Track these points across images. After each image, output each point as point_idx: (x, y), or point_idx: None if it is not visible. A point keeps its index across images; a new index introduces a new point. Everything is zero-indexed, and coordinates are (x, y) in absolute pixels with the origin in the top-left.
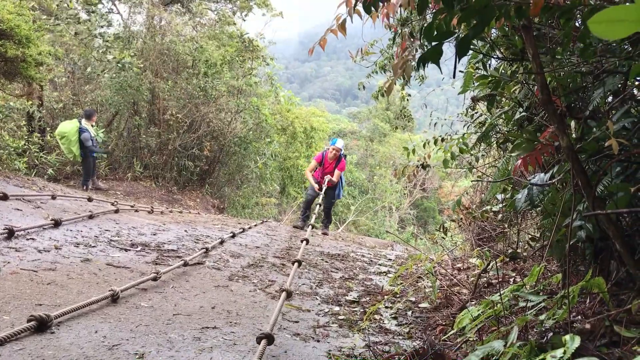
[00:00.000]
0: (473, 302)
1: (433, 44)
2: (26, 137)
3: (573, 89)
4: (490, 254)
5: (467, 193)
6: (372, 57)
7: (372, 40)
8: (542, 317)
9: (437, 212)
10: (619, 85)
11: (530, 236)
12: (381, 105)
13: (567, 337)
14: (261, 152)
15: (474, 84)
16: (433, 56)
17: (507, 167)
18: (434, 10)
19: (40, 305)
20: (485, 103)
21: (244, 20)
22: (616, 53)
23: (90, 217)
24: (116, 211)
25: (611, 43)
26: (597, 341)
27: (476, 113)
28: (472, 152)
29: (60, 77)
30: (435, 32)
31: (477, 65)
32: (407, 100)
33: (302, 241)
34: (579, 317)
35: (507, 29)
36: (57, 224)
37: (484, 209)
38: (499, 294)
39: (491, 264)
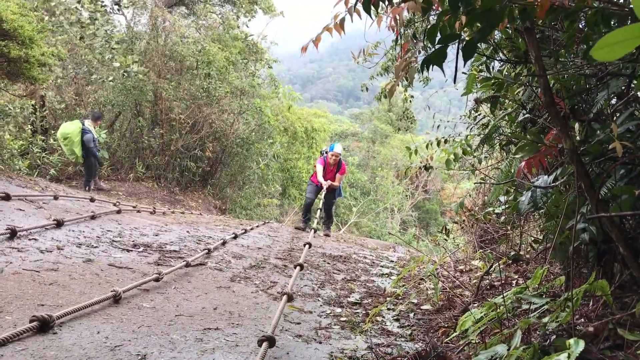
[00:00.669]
0: (475, 305)
1: (437, 46)
2: (30, 138)
3: (576, 92)
4: (492, 256)
5: (470, 195)
6: (374, 58)
7: (376, 42)
8: (545, 320)
9: (439, 214)
10: (623, 88)
11: (533, 238)
12: (383, 106)
13: (571, 340)
14: (263, 153)
15: (477, 86)
16: (437, 59)
17: (510, 169)
18: (437, 12)
19: (43, 305)
20: (489, 105)
21: (247, 27)
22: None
23: (93, 217)
24: (118, 212)
25: None
26: (600, 344)
27: (479, 115)
28: (475, 154)
29: (63, 77)
30: (439, 35)
31: (480, 67)
32: (410, 101)
33: (305, 245)
34: (583, 320)
35: (510, 31)
36: (59, 224)
37: (487, 210)
38: (501, 296)
39: (494, 266)
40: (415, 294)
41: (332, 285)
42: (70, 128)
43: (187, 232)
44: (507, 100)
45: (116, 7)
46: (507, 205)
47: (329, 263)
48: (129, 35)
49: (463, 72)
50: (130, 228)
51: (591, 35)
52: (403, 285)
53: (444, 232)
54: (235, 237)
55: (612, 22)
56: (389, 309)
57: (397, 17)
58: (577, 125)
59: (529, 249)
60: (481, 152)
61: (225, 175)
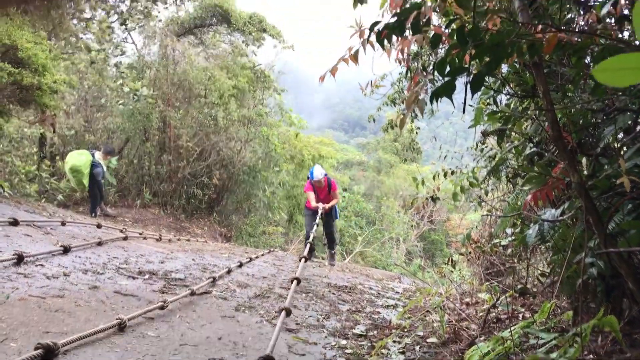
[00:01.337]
0: (482, 338)
1: (446, 78)
2: (41, 163)
3: (584, 126)
4: (499, 288)
5: (476, 227)
6: (381, 89)
7: (382, 74)
8: (553, 356)
9: (445, 244)
10: (630, 123)
11: (540, 272)
12: (389, 136)
13: None
14: (269, 181)
15: (484, 118)
16: (446, 91)
17: (517, 201)
18: (446, 46)
19: (48, 332)
20: (496, 137)
21: (255, 55)
22: (627, 91)
23: (99, 244)
24: (125, 238)
25: None
26: None
27: (486, 147)
28: (481, 186)
29: (73, 104)
30: (448, 67)
31: (487, 100)
32: (417, 133)
33: (293, 280)
34: (592, 356)
35: (518, 65)
36: (66, 250)
37: (493, 242)
38: (509, 330)
39: (500, 299)
40: (422, 326)
41: (337, 316)
42: (80, 161)
43: (193, 259)
44: (514, 134)
45: (123, 26)
46: (513, 238)
47: (334, 293)
48: (139, 64)
49: (470, 105)
50: (136, 255)
51: None
52: (409, 317)
53: (450, 263)
54: (241, 265)
55: None
56: (394, 342)
57: (406, 49)
58: (584, 160)
59: (536, 282)
60: (488, 184)
61: (231, 203)
